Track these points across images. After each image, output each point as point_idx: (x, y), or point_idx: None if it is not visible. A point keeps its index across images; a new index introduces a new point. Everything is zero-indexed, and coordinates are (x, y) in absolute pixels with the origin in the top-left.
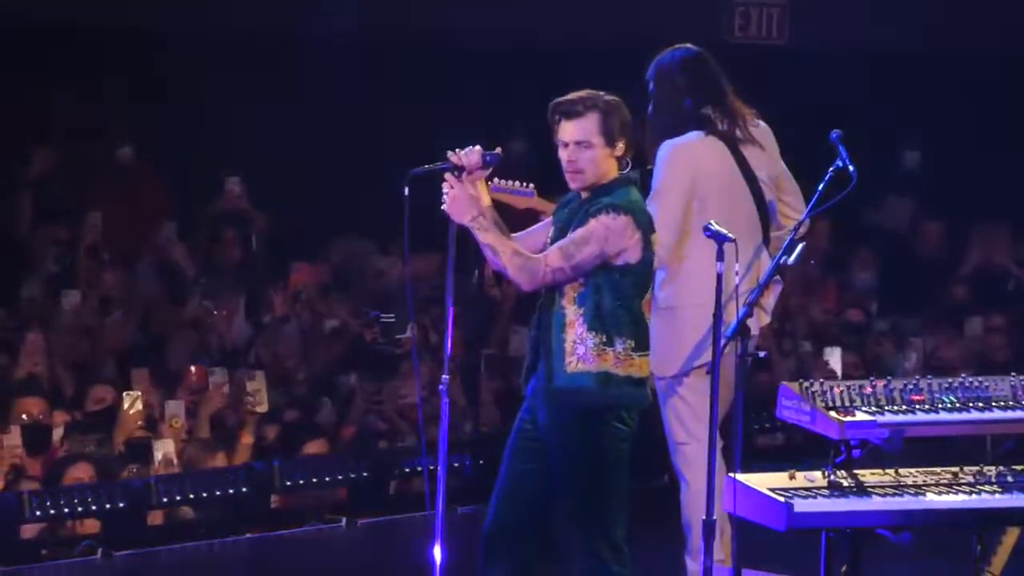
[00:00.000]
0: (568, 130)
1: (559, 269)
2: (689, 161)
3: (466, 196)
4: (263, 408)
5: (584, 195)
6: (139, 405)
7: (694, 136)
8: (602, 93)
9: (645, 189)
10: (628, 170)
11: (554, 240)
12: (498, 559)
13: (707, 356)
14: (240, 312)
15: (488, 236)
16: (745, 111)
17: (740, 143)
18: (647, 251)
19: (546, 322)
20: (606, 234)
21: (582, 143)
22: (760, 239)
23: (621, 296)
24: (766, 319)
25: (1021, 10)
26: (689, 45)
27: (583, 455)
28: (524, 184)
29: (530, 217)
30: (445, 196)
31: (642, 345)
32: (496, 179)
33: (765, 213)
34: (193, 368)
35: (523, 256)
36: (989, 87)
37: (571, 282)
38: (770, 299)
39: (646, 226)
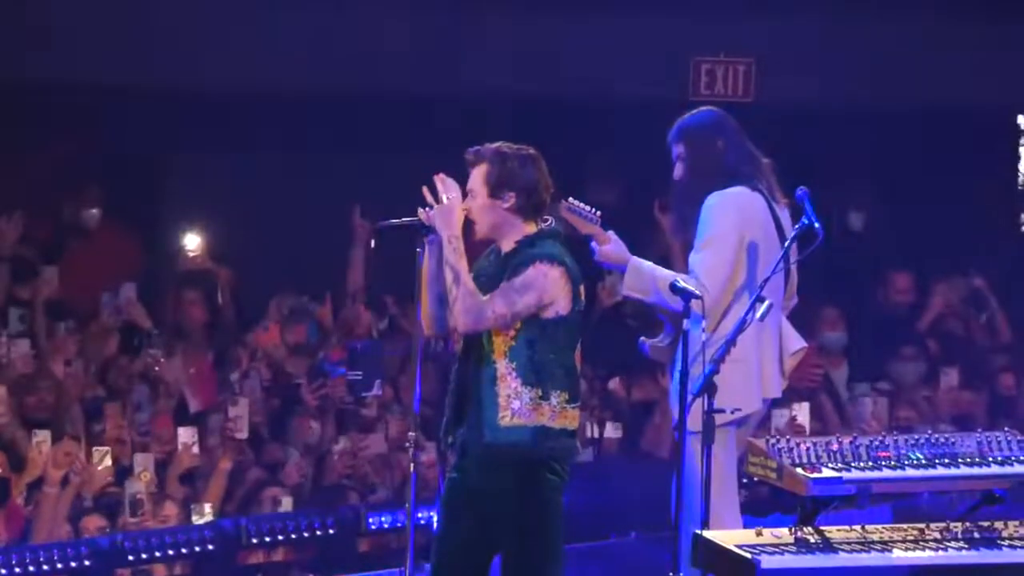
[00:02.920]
0: (469, 178)
1: (502, 316)
2: (740, 211)
3: (453, 210)
4: (243, 435)
5: (505, 248)
6: (108, 461)
7: (741, 189)
8: (500, 144)
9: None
10: (550, 224)
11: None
12: None
13: (745, 408)
14: (206, 373)
15: (460, 261)
16: (773, 176)
17: (775, 203)
18: (576, 303)
19: (473, 376)
20: (544, 282)
21: (470, 192)
22: (781, 300)
23: (555, 348)
24: (785, 384)
25: (985, 67)
26: (712, 107)
27: (519, 510)
28: (593, 210)
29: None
30: (441, 201)
31: (574, 397)
32: (570, 198)
33: (789, 274)
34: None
35: (476, 296)
36: (954, 142)
37: (504, 330)
38: (792, 363)
39: (576, 278)
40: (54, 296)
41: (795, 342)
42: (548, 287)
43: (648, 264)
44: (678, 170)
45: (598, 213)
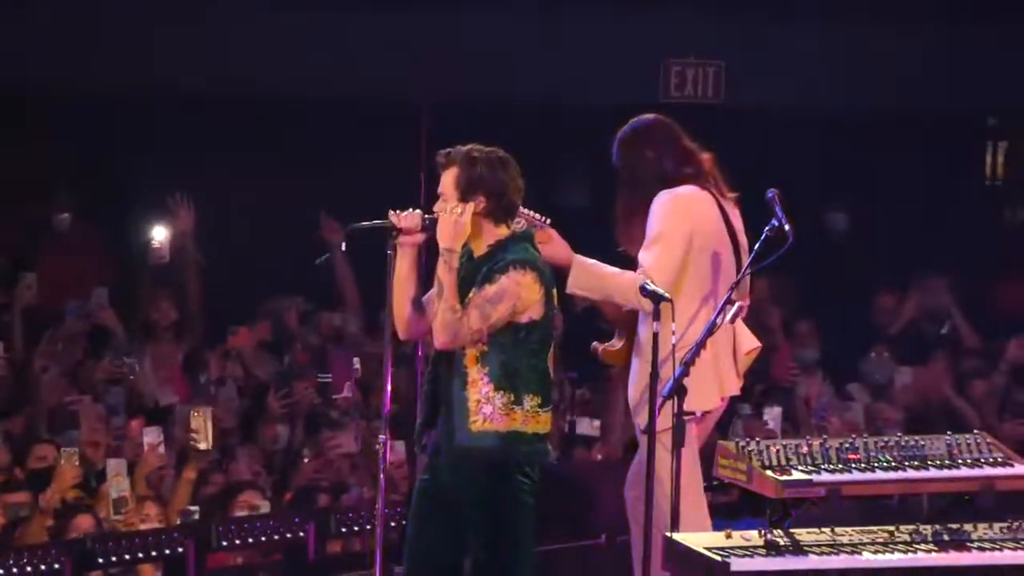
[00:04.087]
0: (439, 181)
1: (478, 331)
2: (688, 209)
3: (462, 226)
4: (206, 445)
5: (477, 251)
6: (75, 461)
7: (689, 188)
8: (471, 146)
9: None
10: (523, 227)
11: None
12: None
13: (704, 406)
14: (177, 372)
15: (449, 276)
16: (718, 171)
17: (723, 199)
18: (549, 307)
19: (444, 378)
20: (517, 290)
21: (441, 195)
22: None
23: (528, 352)
24: (740, 382)
25: (955, 68)
26: (645, 116)
27: (490, 512)
28: (542, 218)
29: None
30: (437, 214)
31: (547, 400)
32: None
33: (741, 270)
34: (133, 423)
35: (456, 314)
36: (927, 144)
37: (479, 342)
38: (746, 362)
39: (548, 282)
40: (33, 302)
41: (749, 342)
42: (522, 294)
43: (592, 262)
44: (621, 186)
45: (547, 220)
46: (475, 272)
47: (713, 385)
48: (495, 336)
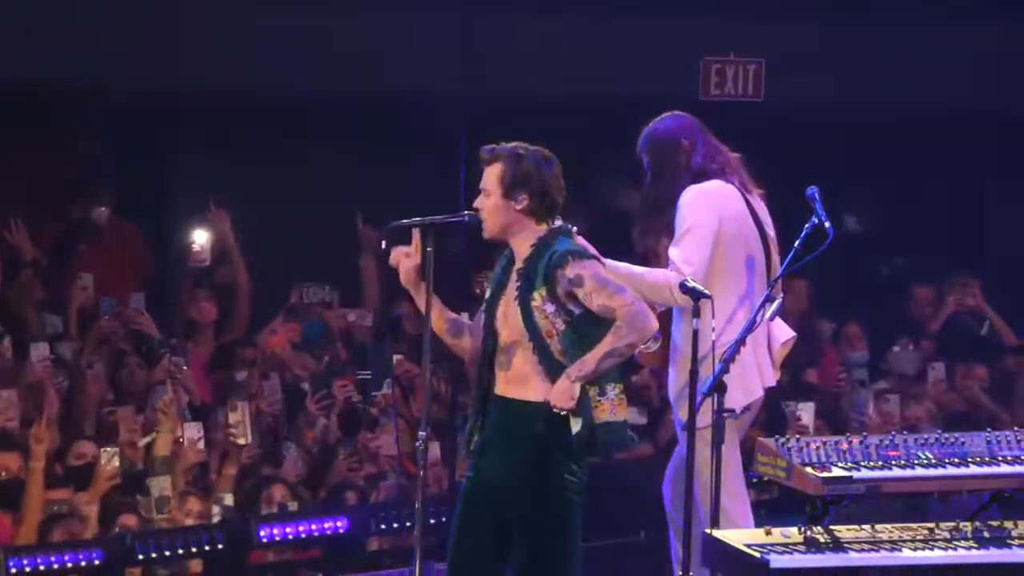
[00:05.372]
0: (482, 176)
1: (635, 298)
2: (715, 203)
3: (564, 387)
4: (244, 440)
5: (521, 251)
6: (116, 461)
7: (715, 182)
8: (516, 144)
9: None
10: (562, 223)
11: (492, 295)
12: None
13: (747, 399)
14: (212, 366)
15: (599, 368)
16: (743, 168)
17: (749, 194)
18: None
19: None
20: (601, 271)
21: (484, 191)
22: (767, 290)
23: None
24: (777, 374)
25: (997, 68)
26: (677, 112)
27: (539, 511)
28: (571, 227)
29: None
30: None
31: (625, 385)
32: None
33: (771, 264)
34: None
35: (621, 333)
36: (964, 142)
37: None
38: (782, 353)
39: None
40: (88, 303)
41: (784, 333)
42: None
43: (622, 264)
44: (647, 179)
45: (574, 229)
46: (531, 273)
47: (754, 378)
48: (571, 332)
